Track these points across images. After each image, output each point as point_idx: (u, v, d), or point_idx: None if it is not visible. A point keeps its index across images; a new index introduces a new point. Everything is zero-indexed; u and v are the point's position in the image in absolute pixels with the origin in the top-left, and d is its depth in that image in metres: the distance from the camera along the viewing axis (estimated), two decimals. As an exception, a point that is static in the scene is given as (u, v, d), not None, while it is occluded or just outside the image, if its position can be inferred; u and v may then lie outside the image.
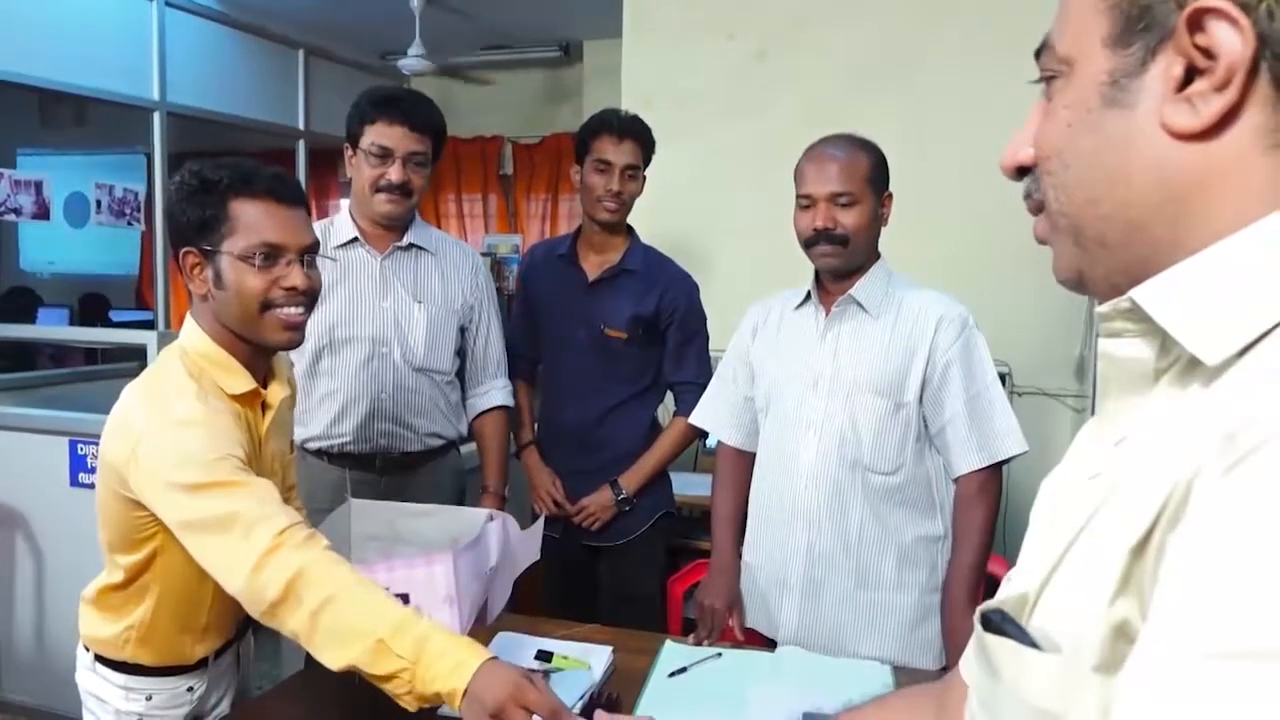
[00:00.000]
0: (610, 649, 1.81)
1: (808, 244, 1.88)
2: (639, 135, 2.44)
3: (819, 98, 3.44)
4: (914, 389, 1.86)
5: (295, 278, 1.43)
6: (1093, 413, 2.79)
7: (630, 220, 2.53)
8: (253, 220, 1.40)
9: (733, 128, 3.58)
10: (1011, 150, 0.68)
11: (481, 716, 1.13)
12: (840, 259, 1.86)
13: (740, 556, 2.06)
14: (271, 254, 1.41)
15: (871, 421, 1.87)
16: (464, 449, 2.46)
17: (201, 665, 1.54)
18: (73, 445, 2.94)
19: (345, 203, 2.41)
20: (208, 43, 4.69)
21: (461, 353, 2.34)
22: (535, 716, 1.13)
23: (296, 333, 1.46)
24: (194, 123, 4.61)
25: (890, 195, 1.90)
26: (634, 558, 2.50)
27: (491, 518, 1.71)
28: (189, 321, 1.47)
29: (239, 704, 1.68)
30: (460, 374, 2.37)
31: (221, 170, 1.40)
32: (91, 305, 6.80)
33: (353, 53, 5.60)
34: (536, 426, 2.61)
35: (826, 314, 1.93)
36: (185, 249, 1.42)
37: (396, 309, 2.20)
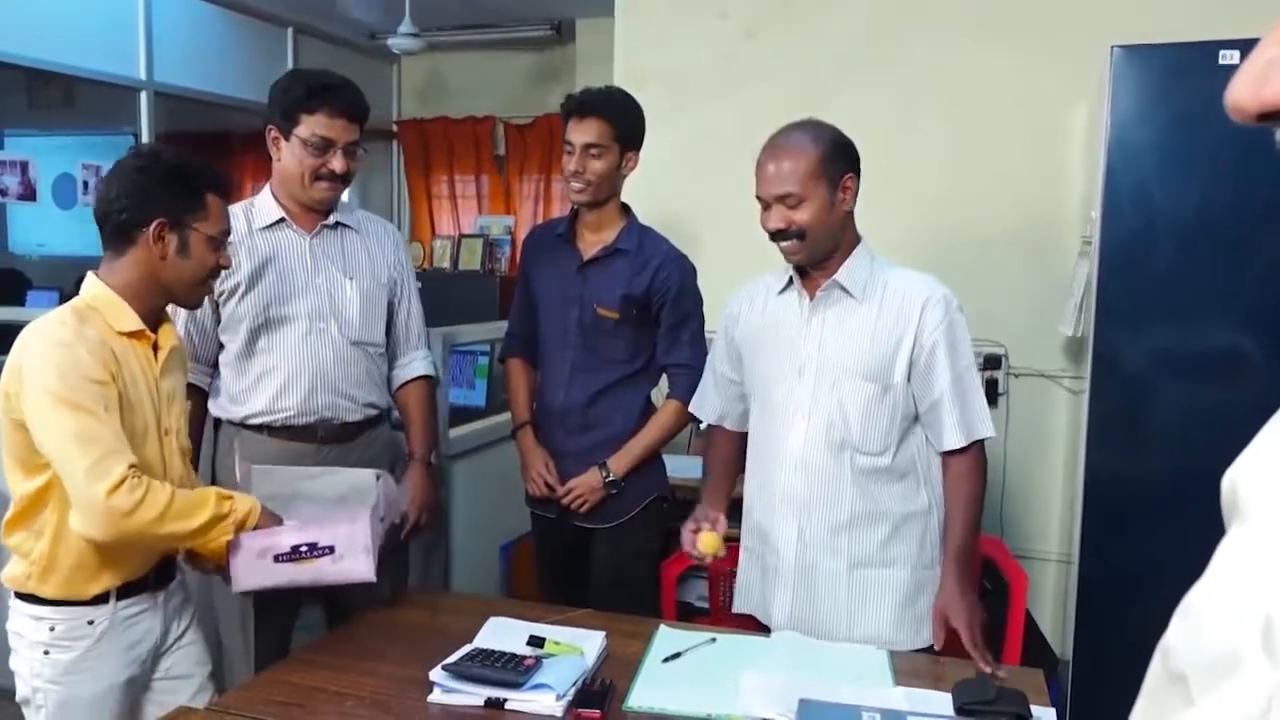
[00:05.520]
0: (604, 634, 1.81)
1: (771, 240, 1.89)
2: (606, 112, 2.39)
3: (809, 77, 3.42)
4: (902, 371, 1.86)
5: (229, 259, 1.85)
6: (1091, 394, 2.77)
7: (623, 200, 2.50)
8: (218, 212, 1.78)
9: (726, 106, 3.55)
10: (1253, 83, 0.44)
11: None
12: (803, 253, 1.87)
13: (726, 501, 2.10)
14: (226, 240, 1.81)
15: (859, 406, 1.87)
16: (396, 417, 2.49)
17: (101, 601, 1.71)
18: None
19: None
20: (195, 21, 4.63)
21: (387, 326, 2.37)
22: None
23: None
24: (181, 103, 4.56)
25: (852, 176, 1.87)
26: (627, 541, 2.49)
27: (378, 477, 2.04)
28: (90, 278, 1.74)
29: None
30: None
31: (198, 166, 1.77)
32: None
33: (342, 31, 5.54)
34: (535, 407, 2.60)
35: (810, 299, 1.92)
36: (159, 217, 1.70)
37: (330, 285, 2.24)
